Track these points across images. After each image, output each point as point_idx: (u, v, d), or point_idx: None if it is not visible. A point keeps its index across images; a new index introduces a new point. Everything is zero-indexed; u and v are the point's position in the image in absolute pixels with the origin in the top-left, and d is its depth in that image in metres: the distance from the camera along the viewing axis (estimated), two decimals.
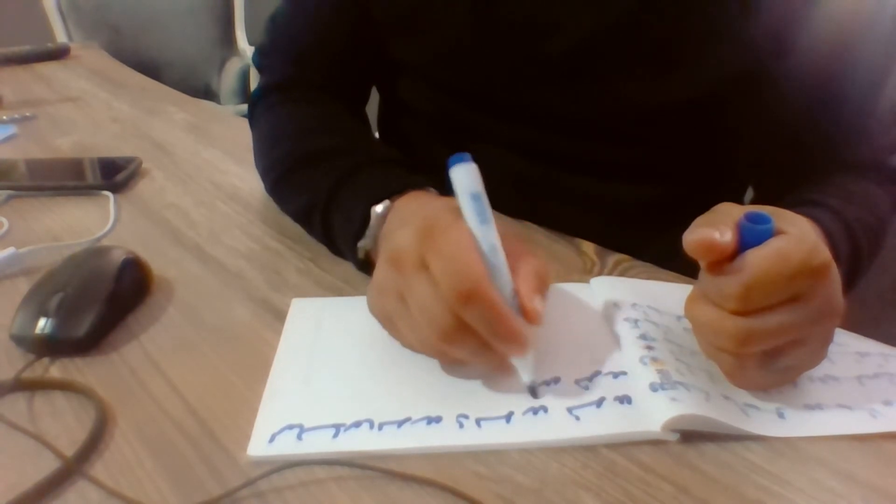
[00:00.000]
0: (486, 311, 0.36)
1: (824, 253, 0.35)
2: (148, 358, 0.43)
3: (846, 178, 0.56)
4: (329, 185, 0.54)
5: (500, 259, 0.39)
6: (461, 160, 0.40)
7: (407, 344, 0.42)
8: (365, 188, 0.51)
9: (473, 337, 0.37)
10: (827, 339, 0.38)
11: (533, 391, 0.39)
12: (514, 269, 0.40)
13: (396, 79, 0.70)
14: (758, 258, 0.34)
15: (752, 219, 0.36)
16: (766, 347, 0.36)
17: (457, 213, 0.40)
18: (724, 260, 0.35)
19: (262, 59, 0.70)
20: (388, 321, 0.42)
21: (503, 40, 0.59)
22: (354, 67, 0.69)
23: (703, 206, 0.39)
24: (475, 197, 0.40)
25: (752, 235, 0.35)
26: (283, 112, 0.66)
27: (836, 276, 0.36)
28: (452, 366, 0.41)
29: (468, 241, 0.38)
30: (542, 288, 0.40)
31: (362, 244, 0.50)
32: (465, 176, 0.40)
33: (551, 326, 0.46)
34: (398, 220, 0.47)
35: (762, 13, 0.52)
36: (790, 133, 0.58)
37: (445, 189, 0.40)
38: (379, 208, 0.49)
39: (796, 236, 0.36)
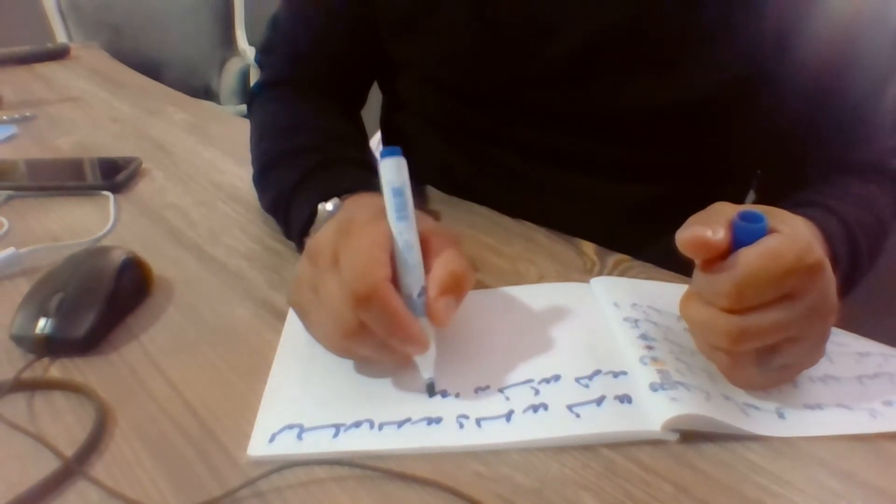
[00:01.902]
0: (382, 312, 0.36)
1: (817, 251, 0.35)
2: (148, 358, 0.43)
3: (847, 179, 0.56)
4: (292, 183, 0.54)
5: (415, 257, 0.39)
6: (390, 154, 0.40)
7: (316, 338, 0.41)
8: (320, 186, 0.52)
9: (374, 336, 0.37)
10: (822, 338, 0.38)
11: (430, 388, 0.39)
12: (431, 269, 0.40)
13: (398, 79, 0.70)
14: (750, 256, 0.34)
15: (746, 217, 0.36)
16: (760, 345, 0.36)
17: (381, 211, 0.40)
18: (718, 258, 0.36)
19: (263, 56, 0.71)
20: (302, 314, 0.42)
21: (504, 41, 0.59)
22: (351, 69, 0.70)
23: (704, 206, 0.39)
24: (397, 192, 0.40)
25: (745, 234, 0.35)
26: (271, 109, 0.67)
27: (829, 274, 0.36)
28: (360, 362, 0.42)
29: (378, 240, 0.38)
30: (455, 289, 0.39)
31: (308, 241, 0.50)
32: (390, 170, 0.40)
33: (552, 325, 0.46)
34: (330, 220, 0.48)
35: (763, 15, 0.52)
36: (791, 134, 0.58)
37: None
38: (328, 206, 0.49)
39: (789, 235, 0.36)
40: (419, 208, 0.41)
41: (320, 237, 0.40)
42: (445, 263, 0.40)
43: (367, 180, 0.50)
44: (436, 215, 0.63)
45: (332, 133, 0.62)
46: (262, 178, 0.61)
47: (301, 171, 0.55)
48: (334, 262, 0.38)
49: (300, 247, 0.52)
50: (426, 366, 0.39)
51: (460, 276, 0.40)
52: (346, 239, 0.38)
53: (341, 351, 0.40)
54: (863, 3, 0.53)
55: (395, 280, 0.39)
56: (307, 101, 0.67)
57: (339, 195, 0.49)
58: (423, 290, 0.39)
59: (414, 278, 0.39)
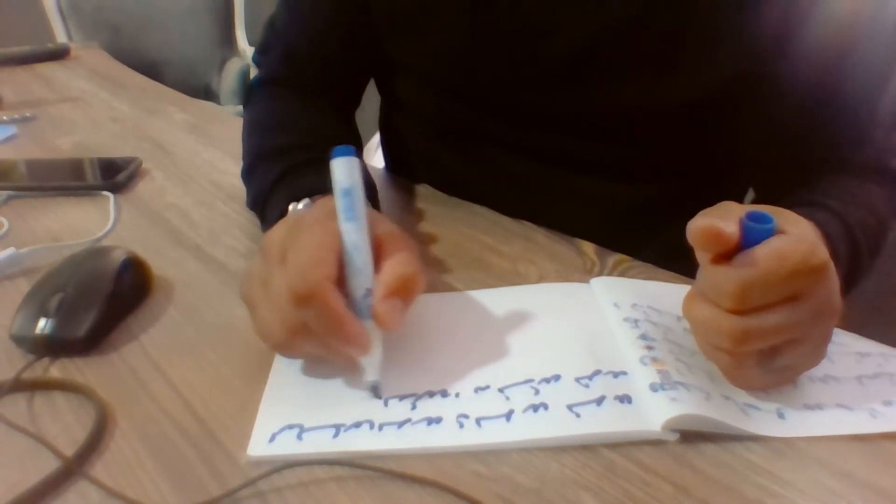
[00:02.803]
0: (322, 312, 0.36)
1: (822, 253, 0.35)
2: (148, 358, 0.43)
3: (847, 179, 0.56)
4: (270, 182, 0.55)
5: (361, 258, 0.39)
6: (341, 153, 0.40)
7: (261, 332, 0.41)
8: (294, 186, 0.52)
9: (315, 335, 0.38)
10: (825, 339, 0.38)
11: (375, 391, 0.39)
12: (380, 271, 0.40)
13: (396, 79, 0.70)
14: (756, 257, 0.34)
15: (754, 218, 0.36)
16: (764, 346, 0.36)
17: (334, 211, 0.40)
18: (724, 257, 0.35)
19: (260, 56, 0.72)
20: (250, 308, 0.42)
21: (502, 41, 0.59)
22: (346, 71, 0.70)
23: (703, 206, 0.39)
24: (345, 192, 0.39)
25: (753, 234, 0.35)
26: (261, 107, 0.67)
27: (833, 276, 0.36)
28: (291, 354, 0.42)
29: (325, 239, 0.38)
30: (402, 292, 0.39)
31: None
32: (339, 170, 0.40)
33: (552, 325, 0.46)
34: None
35: (763, 14, 0.52)
36: (790, 134, 0.58)
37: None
38: (300, 206, 0.49)
39: (795, 236, 0.36)
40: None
41: (273, 234, 0.41)
42: (394, 266, 0.40)
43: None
44: (431, 215, 0.63)
45: (315, 133, 0.62)
46: (246, 176, 0.62)
47: (278, 171, 0.55)
48: (282, 259, 0.38)
49: None
50: (370, 368, 0.39)
51: (409, 279, 0.40)
52: (295, 236, 0.39)
53: (284, 348, 0.40)
54: (861, 3, 0.53)
55: (343, 281, 0.39)
56: (297, 100, 0.67)
57: (311, 196, 0.49)
58: (370, 293, 0.39)
59: (360, 280, 0.39)
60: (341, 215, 0.39)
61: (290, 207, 0.50)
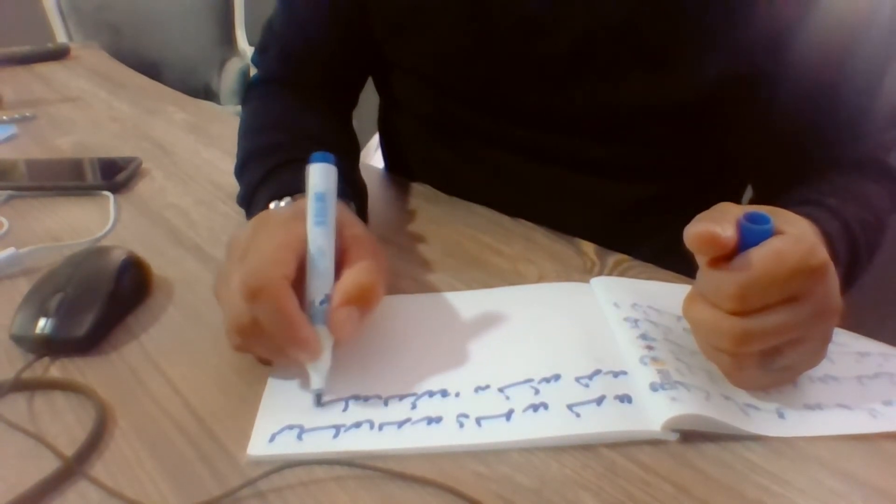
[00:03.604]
0: (272, 310, 0.37)
1: (822, 253, 0.35)
2: (148, 358, 0.43)
3: (844, 176, 0.56)
4: (255, 181, 0.55)
5: (324, 264, 0.39)
6: (319, 159, 0.40)
7: (225, 328, 0.41)
8: (276, 185, 0.52)
9: (266, 336, 0.38)
10: (825, 339, 0.38)
11: (317, 399, 0.39)
12: (341, 278, 0.40)
13: (395, 79, 0.70)
14: (755, 258, 0.34)
15: (752, 219, 0.36)
16: (764, 347, 0.36)
17: (303, 213, 0.40)
18: (723, 258, 0.35)
19: (258, 56, 0.72)
20: (218, 302, 0.42)
21: (498, 40, 0.59)
22: (343, 72, 0.70)
23: (700, 205, 0.39)
24: (319, 197, 0.40)
25: (751, 235, 0.35)
26: (255, 106, 0.67)
27: (833, 276, 0.36)
28: (245, 352, 0.42)
29: (287, 240, 0.39)
30: (359, 301, 0.39)
31: None
32: (314, 175, 0.40)
33: (552, 325, 0.46)
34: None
35: (756, 13, 0.52)
36: (787, 132, 0.58)
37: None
38: (281, 204, 0.49)
39: (794, 236, 0.36)
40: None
41: (240, 231, 0.41)
42: (355, 274, 0.40)
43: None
44: (430, 215, 0.63)
45: (306, 132, 0.62)
46: (238, 174, 0.62)
47: (265, 169, 0.55)
48: (243, 257, 0.39)
49: None
50: (316, 375, 0.39)
51: (367, 288, 0.40)
52: (258, 235, 0.39)
53: (237, 346, 0.40)
54: (858, 2, 0.53)
55: (304, 285, 0.39)
56: (293, 99, 0.67)
57: (292, 194, 0.49)
58: (328, 298, 0.39)
59: (319, 284, 0.39)
60: (311, 219, 0.40)
61: (272, 205, 0.49)
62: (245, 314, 0.37)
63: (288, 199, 0.49)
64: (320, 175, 0.40)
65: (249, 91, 0.70)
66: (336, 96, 0.71)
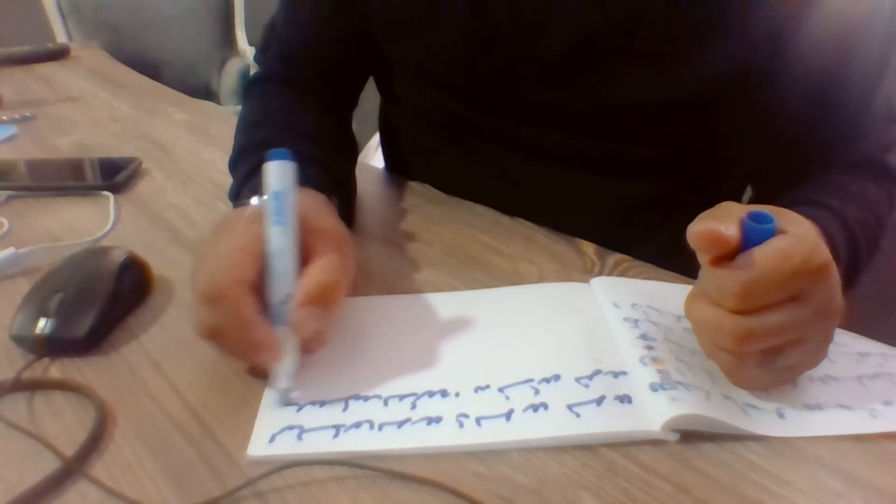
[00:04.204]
0: (230, 317, 0.37)
1: (824, 253, 0.35)
2: (148, 358, 0.43)
3: (844, 176, 0.56)
4: (241, 178, 0.55)
5: (283, 264, 0.39)
6: (276, 157, 0.40)
7: None
8: (258, 182, 0.52)
9: (226, 335, 0.38)
10: (826, 339, 0.38)
11: (282, 398, 0.38)
12: (304, 276, 0.40)
13: (395, 77, 0.70)
14: (758, 257, 0.34)
15: (755, 218, 0.36)
16: (766, 346, 0.36)
17: (263, 214, 0.40)
18: (725, 257, 0.35)
19: (259, 55, 0.72)
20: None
21: (498, 38, 0.59)
22: (343, 71, 0.70)
23: (700, 205, 0.39)
24: (275, 196, 0.40)
25: (754, 234, 0.35)
26: (252, 103, 0.67)
27: (835, 275, 0.36)
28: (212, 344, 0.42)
29: (245, 243, 0.39)
30: (320, 300, 0.39)
31: None
32: (271, 173, 0.40)
33: (552, 325, 0.46)
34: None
35: (755, 11, 0.52)
36: (787, 131, 0.58)
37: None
38: (257, 202, 0.49)
39: (797, 236, 0.36)
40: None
41: (208, 234, 0.41)
42: (316, 273, 0.40)
43: (308, 178, 0.49)
44: (431, 215, 0.63)
45: (297, 129, 0.62)
46: (230, 170, 0.62)
47: (250, 165, 0.55)
48: (203, 261, 0.39)
49: None
50: (280, 375, 0.39)
51: (329, 286, 0.40)
52: (219, 238, 0.39)
53: (202, 336, 0.40)
54: (857, 1, 0.53)
55: (265, 286, 0.39)
56: (289, 97, 0.67)
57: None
58: (290, 298, 0.39)
59: (279, 284, 0.39)
60: (269, 219, 0.39)
61: (254, 201, 0.49)
62: (206, 319, 0.38)
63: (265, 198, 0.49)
64: (276, 173, 0.40)
65: (249, 88, 0.71)
66: (335, 96, 0.71)
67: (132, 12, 2.09)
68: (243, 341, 0.38)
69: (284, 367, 0.39)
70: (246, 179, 0.54)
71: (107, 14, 2.06)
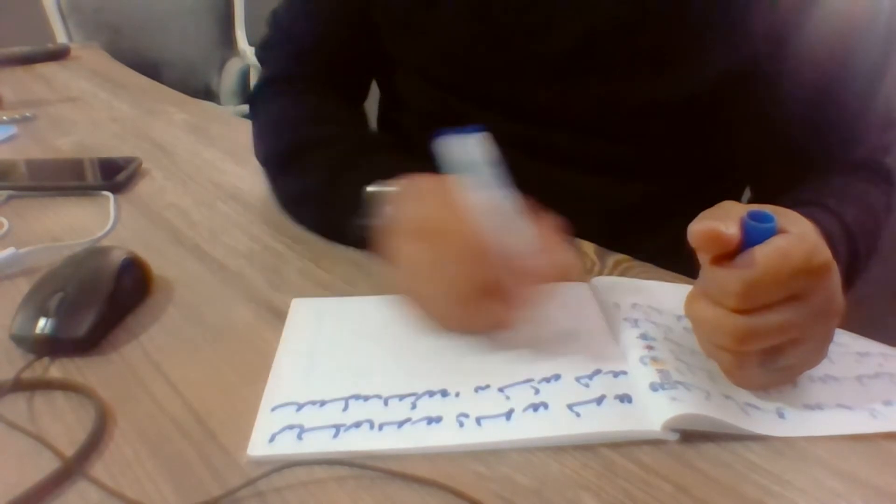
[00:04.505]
0: (500, 270, 0.39)
1: (825, 252, 0.35)
2: (148, 358, 0.43)
3: (843, 178, 0.56)
4: (327, 169, 0.55)
5: (519, 221, 0.42)
6: (472, 131, 0.42)
7: (438, 312, 0.43)
8: (365, 171, 0.52)
9: (504, 290, 0.40)
10: (827, 339, 0.38)
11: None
12: (532, 228, 0.42)
13: (396, 75, 0.70)
14: (759, 256, 0.34)
15: (756, 217, 0.36)
16: (766, 346, 0.36)
17: (468, 184, 0.42)
18: (726, 257, 0.35)
19: (264, 52, 0.72)
20: (417, 292, 0.44)
21: (501, 38, 0.59)
22: (354, 64, 0.70)
23: (700, 204, 0.39)
24: (487, 164, 0.41)
25: (754, 233, 0.35)
26: (283, 103, 0.67)
27: (836, 275, 0.36)
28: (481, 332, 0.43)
29: (483, 207, 0.41)
30: (557, 244, 0.42)
31: (362, 223, 0.50)
32: (476, 145, 0.42)
33: (552, 325, 0.46)
34: (405, 199, 0.48)
35: (757, 13, 0.52)
36: (786, 132, 0.58)
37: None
38: (379, 188, 0.49)
39: (798, 235, 0.36)
40: None
41: (421, 217, 0.42)
42: (545, 223, 0.43)
43: (410, 164, 0.50)
44: None
45: (352, 123, 0.63)
46: (283, 169, 0.61)
47: (337, 159, 0.55)
48: (448, 235, 0.40)
49: (352, 230, 0.51)
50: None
51: (561, 230, 0.43)
52: (448, 212, 0.40)
53: (467, 318, 0.42)
54: (856, 3, 0.53)
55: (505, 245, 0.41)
56: (316, 95, 0.67)
57: (389, 178, 0.49)
58: (531, 250, 0.41)
59: (524, 239, 0.41)
60: (488, 185, 0.41)
61: (370, 190, 0.49)
62: (475, 281, 0.40)
63: (387, 183, 0.49)
64: (480, 145, 0.42)
65: (261, 91, 0.69)
66: (348, 91, 0.70)
67: (132, 12, 2.09)
68: (512, 293, 0.40)
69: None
70: (338, 171, 0.54)
71: (107, 14, 2.06)
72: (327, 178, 0.54)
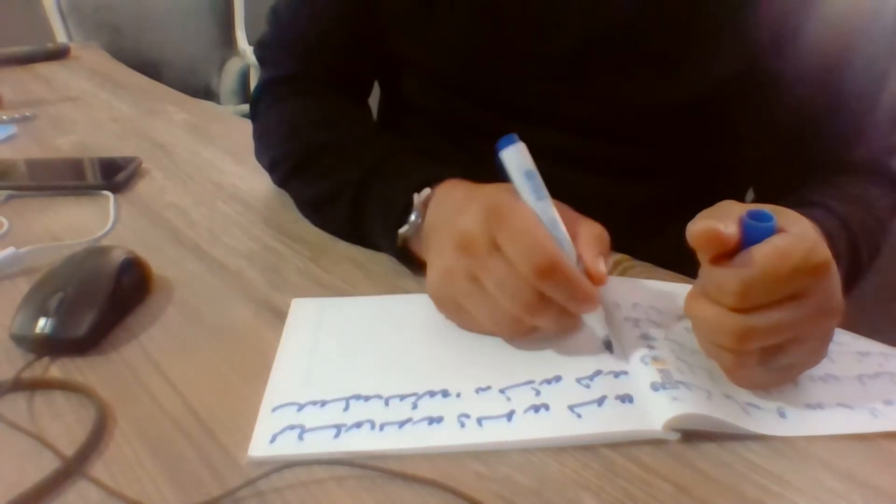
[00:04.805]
0: (564, 281, 0.39)
1: (824, 251, 0.35)
2: (148, 358, 0.43)
3: (845, 179, 0.56)
4: (360, 174, 0.54)
5: (562, 231, 0.42)
6: (510, 142, 0.42)
7: (476, 326, 0.44)
8: (402, 176, 0.52)
9: (553, 305, 0.40)
10: (826, 338, 0.38)
11: (609, 345, 0.42)
12: (573, 237, 0.42)
13: (398, 74, 0.70)
14: (758, 255, 0.34)
15: (755, 216, 0.36)
16: (766, 345, 0.36)
17: (513, 193, 0.42)
18: (725, 256, 0.36)
19: (265, 51, 0.70)
20: (453, 304, 0.43)
21: (504, 38, 0.59)
22: (358, 62, 0.69)
23: (703, 206, 0.39)
24: (530, 175, 0.42)
25: (754, 232, 0.35)
26: (293, 104, 0.66)
27: (835, 274, 0.36)
28: (523, 338, 0.43)
29: (535, 219, 0.40)
30: (603, 250, 0.43)
31: (403, 232, 0.50)
32: (518, 155, 0.42)
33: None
34: (444, 207, 0.48)
35: (762, 13, 0.52)
36: (789, 134, 0.58)
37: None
38: (420, 197, 0.49)
39: (796, 234, 0.36)
40: None
41: (466, 226, 0.41)
42: (587, 229, 0.43)
43: (444, 169, 0.51)
44: None
45: (371, 125, 0.63)
46: (303, 171, 0.60)
47: (369, 162, 0.54)
48: (494, 247, 0.40)
49: (392, 240, 0.51)
50: (600, 325, 0.42)
51: (603, 237, 0.44)
52: (501, 223, 0.40)
53: (513, 329, 0.42)
54: (860, 3, 0.53)
55: None
56: (325, 96, 0.66)
57: (429, 185, 0.49)
58: (578, 258, 0.42)
59: (568, 250, 0.41)
60: (532, 196, 0.42)
61: (415, 198, 0.49)
62: (532, 295, 0.39)
63: (427, 189, 0.49)
64: (521, 154, 0.43)
65: (267, 90, 0.68)
66: (352, 89, 0.70)
67: (132, 12, 2.09)
68: (576, 298, 0.40)
69: (601, 317, 0.42)
70: (371, 175, 0.53)
71: (107, 14, 2.06)
72: (358, 182, 0.54)
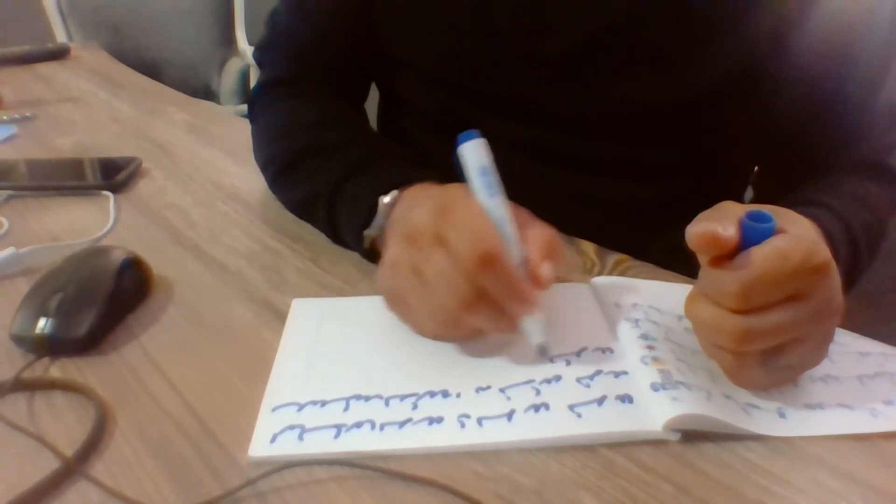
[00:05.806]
0: (503, 274, 0.38)
1: (824, 252, 0.35)
2: (148, 358, 0.43)
3: (845, 177, 0.56)
4: (337, 176, 0.54)
5: (510, 230, 0.41)
6: (470, 137, 0.42)
7: (415, 321, 0.43)
8: (373, 179, 0.52)
9: (489, 303, 0.39)
10: (827, 338, 0.38)
11: (543, 351, 0.41)
12: (524, 239, 0.42)
13: (396, 76, 0.70)
14: (758, 256, 0.34)
15: (754, 217, 0.36)
16: (766, 346, 0.36)
17: (467, 191, 0.42)
18: (725, 257, 0.36)
19: (262, 54, 0.71)
20: (397, 298, 0.43)
21: (502, 38, 0.59)
22: (354, 64, 0.70)
23: (703, 205, 0.39)
24: (484, 171, 0.42)
25: (753, 233, 0.35)
26: (285, 106, 0.66)
27: (835, 275, 0.36)
28: (462, 339, 0.43)
29: (481, 213, 0.40)
30: (551, 255, 0.42)
31: (368, 233, 0.50)
32: (473, 151, 0.42)
33: (552, 326, 0.46)
34: (407, 206, 0.48)
35: (761, 12, 0.52)
36: (789, 132, 0.58)
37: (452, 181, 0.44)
38: (386, 199, 0.49)
39: (797, 235, 0.36)
40: None
41: (414, 219, 0.41)
42: (539, 233, 0.42)
43: (418, 173, 0.51)
44: None
45: (359, 128, 0.63)
46: (288, 173, 0.61)
47: (346, 165, 0.54)
48: (438, 240, 0.39)
49: (358, 240, 0.52)
50: (538, 330, 0.41)
51: (553, 241, 0.42)
52: (446, 216, 0.39)
53: (448, 327, 0.41)
54: (860, 2, 0.53)
55: None
56: (319, 97, 0.67)
57: (396, 188, 0.49)
58: (523, 261, 0.41)
59: (514, 250, 0.41)
60: (484, 192, 0.42)
61: (379, 201, 0.49)
62: (469, 288, 0.38)
63: (394, 192, 0.49)
64: (476, 150, 0.42)
65: (261, 93, 0.69)
66: (349, 91, 0.70)
67: (132, 12, 2.09)
68: (514, 298, 0.39)
69: (539, 322, 0.41)
70: (347, 178, 0.54)
71: (107, 14, 2.06)
72: (333, 186, 0.54)
